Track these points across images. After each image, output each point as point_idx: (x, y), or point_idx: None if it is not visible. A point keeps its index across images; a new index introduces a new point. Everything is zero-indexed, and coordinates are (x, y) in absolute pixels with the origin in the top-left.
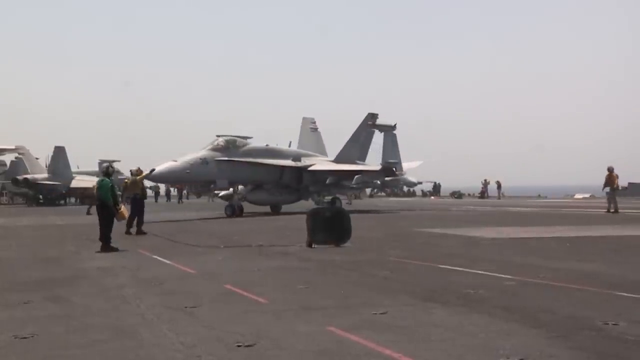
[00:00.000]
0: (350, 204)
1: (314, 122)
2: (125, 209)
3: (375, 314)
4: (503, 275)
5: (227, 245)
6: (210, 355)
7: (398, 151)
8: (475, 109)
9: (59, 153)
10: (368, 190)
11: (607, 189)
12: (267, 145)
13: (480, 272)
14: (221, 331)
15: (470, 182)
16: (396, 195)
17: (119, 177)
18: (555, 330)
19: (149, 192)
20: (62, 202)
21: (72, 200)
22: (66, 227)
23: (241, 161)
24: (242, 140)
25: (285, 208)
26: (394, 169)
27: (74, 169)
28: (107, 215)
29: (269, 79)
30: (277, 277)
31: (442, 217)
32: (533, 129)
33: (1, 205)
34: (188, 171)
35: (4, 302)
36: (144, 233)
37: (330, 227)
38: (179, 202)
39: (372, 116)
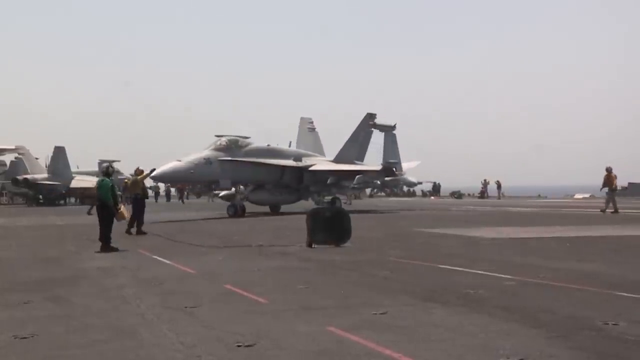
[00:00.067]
0: (350, 204)
1: (312, 122)
2: (125, 209)
3: (375, 314)
4: (503, 275)
5: (227, 245)
6: (210, 355)
7: (398, 151)
8: (475, 109)
9: (59, 153)
10: (368, 190)
11: (606, 189)
12: (268, 145)
13: (480, 272)
14: (221, 331)
15: (470, 182)
16: (396, 195)
17: (119, 177)
18: (555, 330)
19: (149, 192)
20: (62, 202)
21: (72, 200)
22: (66, 227)
23: (244, 161)
24: (244, 140)
25: (284, 208)
26: (394, 169)
27: (73, 169)
28: (107, 216)
29: (267, 79)
30: (277, 277)
31: (442, 217)
32: (533, 128)
33: (1, 205)
34: (192, 171)
35: (4, 302)
36: (144, 233)
37: (330, 227)
38: (182, 202)
39: (371, 116)
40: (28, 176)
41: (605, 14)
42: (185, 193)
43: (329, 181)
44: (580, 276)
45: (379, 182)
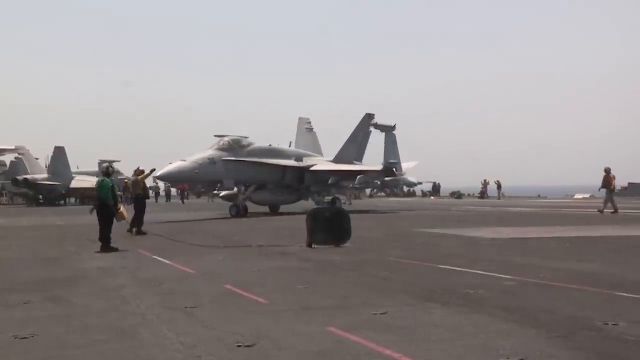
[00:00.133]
0: (350, 204)
1: (309, 122)
2: (124, 209)
3: (375, 314)
4: (503, 275)
5: (227, 245)
6: (210, 355)
7: (397, 151)
8: (475, 108)
9: (59, 153)
10: (368, 191)
11: (604, 190)
12: (270, 145)
13: (480, 272)
14: (221, 331)
15: (470, 182)
16: (396, 195)
17: (119, 177)
18: (555, 330)
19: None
20: (62, 202)
21: (72, 200)
22: (66, 227)
23: (247, 161)
24: (246, 139)
25: (283, 208)
26: (395, 169)
27: (73, 169)
28: (107, 216)
29: (266, 79)
30: (277, 277)
31: (442, 217)
32: (533, 128)
33: (1, 205)
34: (197, 171)
35: (4, 302)
36: (144, 233)
37: (330, 227)
38: (182, 202)
39: (370, 116)
40: (28, 176)
41: (607, 13)
42: (185, 193)
43: (330, 181)
44: (580, 276)
45: (378, 182)
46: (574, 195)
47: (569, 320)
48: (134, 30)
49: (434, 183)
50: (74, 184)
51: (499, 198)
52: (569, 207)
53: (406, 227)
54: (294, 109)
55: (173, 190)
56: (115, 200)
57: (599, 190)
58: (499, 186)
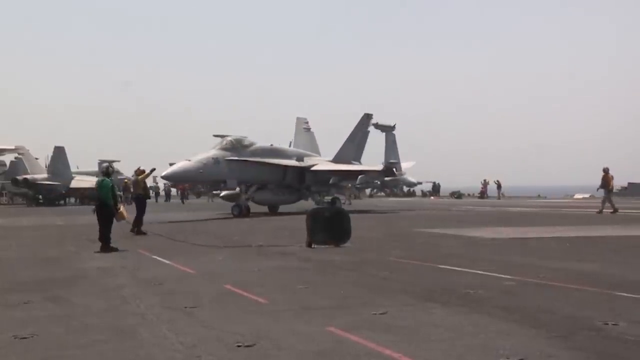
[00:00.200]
0: (350, 204)
1: (307, 122)
2: (124, 209)
3: (375, 314)
4: (503, 275)
5: (227, 245)
6: (210, 355)
7: (397, 151)
8: (474, 108)
9: (59, 153)
10: (368, 191)
11: (602, 190)
12: (271, 145)
13: (480, 272)
14: (221, 331)
15: (469, 182)
16: (396, 195)
17: (119, 177)
18: (555, 330)
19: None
20: (62, 202)
21: (72, 200)
22: (66, 227)
23: (250, 161)
24: (248, 139)
25: (282, 208)
26: (395, 169)
27: (73, 169)
28: (106, 216)
29: (265, 78)
30: (277, 277)
31: (442, 217)
32: (533, 128)
33: (1, 205)
34: (201, 171)
35: (4, 302)
36: (144, 233)
37: (330, 228)
38: (182, 202)
39: (368, 116)
40: (28, 176)
41: (607, 12)
42: (186, 193)
43: (331, 181)
44: (580, 276)
45: (378, 182)
46: (573, 195)
47: (569, 320)
48: (134, 30)
49: (434, 183)
50: (74, 184)
51: (498, 198)
52: (569, 207)
53: (406, 227)
54: (292, 109)
55: (173, 191)
56: (115, 200)
57: (597, 190)
58: (498, 186)
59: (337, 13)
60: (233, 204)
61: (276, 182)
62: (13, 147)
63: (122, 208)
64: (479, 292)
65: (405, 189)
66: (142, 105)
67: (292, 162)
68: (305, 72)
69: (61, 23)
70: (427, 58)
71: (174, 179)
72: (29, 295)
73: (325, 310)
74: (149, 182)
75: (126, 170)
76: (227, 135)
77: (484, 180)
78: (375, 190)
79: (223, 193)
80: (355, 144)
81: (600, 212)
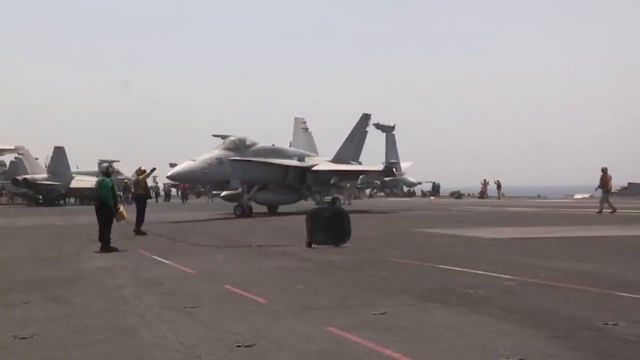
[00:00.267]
0: (350, 204)
1: (305, 122)
2: (124, 210)
3: (375, 314)
4: (503, 275)
5: (227, 245)
6: (210, 355)
7: (397, 151)
8: (474, 108)
9: (59, 153)
10: (368, 191)
11: (601, 190)
12: (273, 145)
13: (480, 272)
14: (221, 331)
15: (469, 182)
16: (396, 195)
17: (119, 177)
18: (555, 330)
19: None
20: (62, 202)
21: (72, 200)
22: (66, 227)
23: (254, 161)
24: (250, 139)
25: (281, 208)
26: (395, 169)
27: (73, 169)
28: (106, 216)
29: (265, 79)
30: (276, 278)
31: (442, 217)
32: (533, 127)
33: (1, 205)
34: (206, 171)
35: (4, 302)
36: (144, 233)
37: (330, 228)
38: (183, 202)
39: (367, 117)
40: (28, 176)
41: (607, 12)
42: (186, 193)
43: (332, 181)
44: (580, 276)
45: (378, 182)
46: (573, 196)
47: (569, 320)
48: (134, 30)
49: (434, 183)
50: (74, 184)
51: (498, 198)
52: (569, 207)
53: (406, 227)
54: (290, 109)
55: (173, 191)
56: (115, 201)
57: (596, 190)
58: (498, 186)
59: (337, 13)
60: (235, 204)
61: (277, 182)
62: (13, 147)
63: (122, 208)
64: (479, 292)
65: (405, 189)
66: (142, 105)
67: (294, 162)
68: (304, 72)
69: (61, 23)
70: (427, 58)
71: (179, 179)
72: (29, 295)
73: (325, 310)
74: (149, 182)
75: (126, 170)
76: (227, 136)
77: (484, 180)
78: (375, 190)
79: (223, 193)
80: (354, 144)
81: (600, 212)
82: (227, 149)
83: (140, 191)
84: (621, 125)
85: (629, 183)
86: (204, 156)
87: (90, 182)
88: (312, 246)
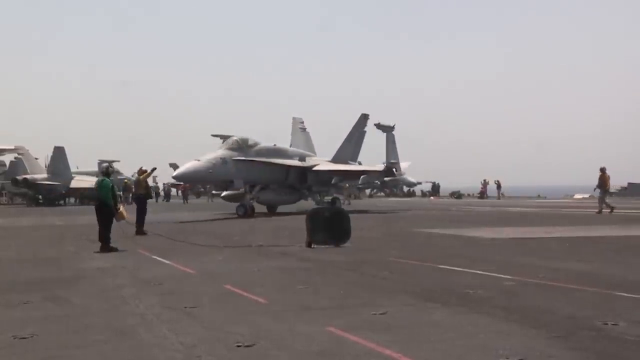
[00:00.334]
0: (349, 204)
1: (302, 122)
2: (124, 210)
3: (375, 314)
4: (503, 276)
5: (227, 245)
6: (210, 356)
7: (397, 151)
8: (474, 108)
9: (59, 153)
10: (368, 191)
11: (599, 190)
12: (275, 145)
13: (479, 272)
14: (221, 331)
15: (469, 182)
16: (396, 195)
17: (119, 177)
18: (555, 330)
19: None
20: (62, 202)
21: (72, 200)
22: (65, 227)
23: (257, 161)
24: (253, 139)
25: (281, 208)
26: (395, 169)
27: (73, 169)
28: (106, 216)
29: (264, 78)
30: (276, 278)
31: (442, 217)
32: (534, 127)
33: (1, 205)
34: (211, 171)
35: (4, 302)
36: (144, 233)
37: (330, 228)
38: (184, 202)
39: (365, 117)
40: (28, 176)
41: (608, 12)
42: (187, 193)
43: (333, 181)
44: (580, 276)
45: (378, 183)
46: (573, 196)
47: (569, 320)
48: (134, 30)
49: (434, 183)
50: (74, 184)
51: (498, 198)
52: (569, 207)
53: (406, 227)
54: (289, 108)
55: (172, 191)
56: (115, 201)
57: (595, 190)
58: (498, 186)
59: (338, 12)
60: (238, 204)
61: (279, 182)
62: (13, 147)
63: (122, 208)
64: (478, 292)
65: (405, 189)
66: (142, 105)
67: (296, 162)
68: (303, 72)
69: (61, 23)
70: (426, 57)
71: (184, 179)
72: (29, 295)
73: (325, 311)
74: (149, 182)
75: (126, 170)
76: (225, 135)
77: (484, 180)
78: (375, 191)
79: (224, 193)
80: (352, 144)
81: (600, 212)
82: (231, 148)
83: (141, 191)
84: (622, 125)
85: (629, 183)
86: (209, 156)
87: (90, 182)
88: (312, 246)
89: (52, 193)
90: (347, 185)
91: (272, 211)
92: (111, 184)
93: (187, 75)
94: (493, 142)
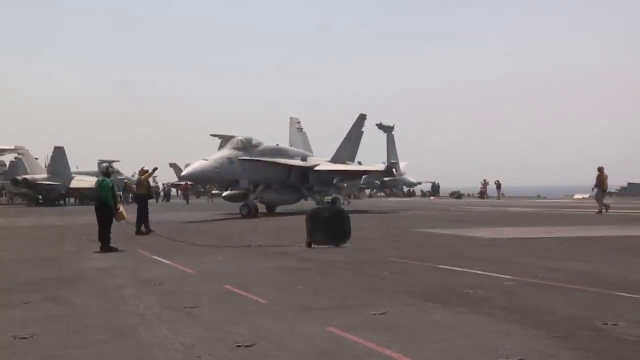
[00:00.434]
0: (349, 203)
1: (299, 122)
2: (124, 210)
3: (375, 314)
4: (503, 275)
5: (227, 246)
6: (210, 356)
7: (396, 151)
8: (475, 108)
9: (59, 153)
10: (368, 191)
11: (597, 190)
12: (277, 144)
13: (479, 272)
14: (221, 331)
15: (469, 182)
16: (395, 195)
17: (119, 177)
18: (555, 330)
19: None
20: (62, 202)
21: (72, 200)
22: (65, 227)
23: (261, 161)
24: (256, 139)
25: (280, 208)
26: (395, 169)
27: (73, 169)
28: (106, 216)
29: (264, 78)
30: (276, 278)
31: (442, 217)
32: (533, 128)
33: (1, 205)
34: (218, 170)
35: (4, 302)
36: (144, 233)
37: (330, 228)
38: (187, 202)
39: (363, 117)
40: (28, 176)
41: (608, 12)
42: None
43: (334, 181)
44: (580, 276)
45: (378, 182)
46: (573, 196)
47: (569, 320)
48: (133, 30)
49: (434, 183)
50: (74, 184)
51: (498, 198)
52: (569, 207)
53: (406, 227)
54: (288, 109)
55: (172, 191)
56: (115, 200)
57: (593, 189)
58: (498, 186)
59: (337, 12)
60: (239, 204)
61: (281, 182)
62: (13, 147)
63: (121, 208)
64: (478, 292)
65: (405, 189)
66: (142, 105)
67: (298, 162)
68: (302, 72)
69: (61, 22)
70: (426, 57)
71: (192, 179)
72: (29, 295)
73: (325, 310)
74: (150, 182)
75: (126, 170)
76: (226, 136)
77: (484, 181)
78: (375, 191)
79: (225, 193)
80: (351, 144)
81: (600, 212)
82: (236, 148)
83: (142, 191)
84: (622, 125)
85: (629, 183)
86: (215, 155)
87: (90, 182)
88: (312, 246)
89: (52, 193)
90: (345, 185)
91: (271, 211)
92: (111, 184)
93: (187, 75)
94: (493, 142)
